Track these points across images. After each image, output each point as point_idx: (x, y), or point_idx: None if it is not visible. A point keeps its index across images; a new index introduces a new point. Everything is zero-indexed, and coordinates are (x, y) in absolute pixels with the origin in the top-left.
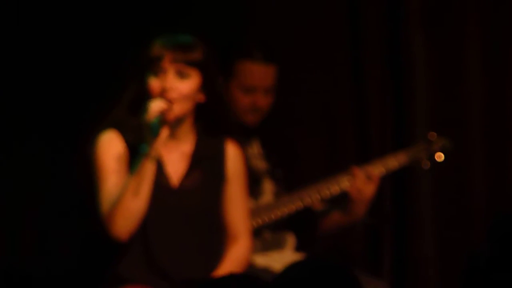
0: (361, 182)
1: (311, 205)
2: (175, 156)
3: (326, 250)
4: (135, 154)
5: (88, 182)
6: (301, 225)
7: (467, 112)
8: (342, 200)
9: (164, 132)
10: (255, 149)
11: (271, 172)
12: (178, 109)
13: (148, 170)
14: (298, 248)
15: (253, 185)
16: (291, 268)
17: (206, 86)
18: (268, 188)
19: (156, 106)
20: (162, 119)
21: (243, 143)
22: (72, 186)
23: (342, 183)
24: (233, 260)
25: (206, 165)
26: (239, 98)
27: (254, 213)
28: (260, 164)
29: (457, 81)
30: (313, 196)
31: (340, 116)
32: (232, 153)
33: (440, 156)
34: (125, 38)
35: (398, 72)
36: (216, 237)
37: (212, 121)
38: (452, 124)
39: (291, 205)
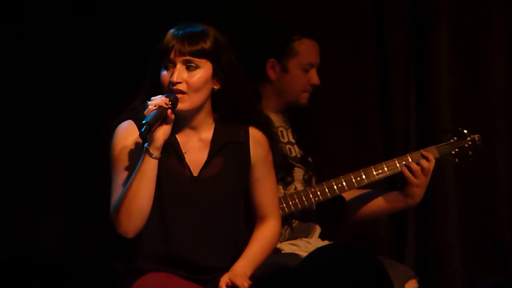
0: (420, 162)
1: (342, 192)
2: (194, 145)
3: (351, 237)
4: None
5: (107, 174)
6: (329, 214)
7: (490, 100)
8: (380, 186)
9: (165, 129)
10: (286, 136)
11: (302, 159)
12: (189, 101)
13: (148, 168)
14: (323, 236)
15: (283, 173)
16: (317, 253)
17: (219, 74)
18: (298, 176)
19: (153, 102)
20: (161, 117)
21: (271, 129)
22: (94, 178)
23: (391, 168)
24: (260, 240)
25: (228, 152)
26: (299, 77)
27: (283, 200)
28: (292, 151)
29: (480, 69)
30: (348, 183)
31: (365, 103)
32: (256, 138)
33: (470, 154)
34: (149, 27)
35: (422, 62)
36: (240, 225)
37: (231, 107)
38: (476, 112)
39: (322, 194)
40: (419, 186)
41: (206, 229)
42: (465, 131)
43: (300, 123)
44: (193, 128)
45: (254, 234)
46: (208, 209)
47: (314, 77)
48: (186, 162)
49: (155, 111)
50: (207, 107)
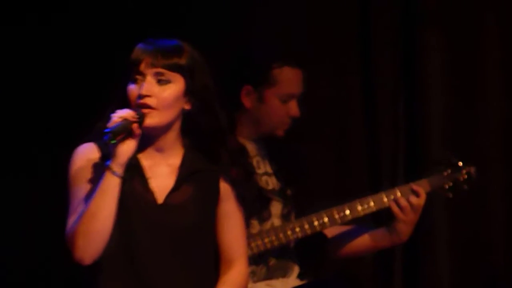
0: (410, 199)
1: (323, 229)
2: (161, 170)
3: (333, 275)
4: None
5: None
6: (309, 252)
7: (485, 123)
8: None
9: (130, 145)
10: (263, 166)
11: (280, 192)
12: (158, 118)
13: (110, 187)
14: (302, 276)
15: (260, 207)
16: None
17: (191, 93)
18: (276, 210)
19: (118, 115)
20: (125, 129)
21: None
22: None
23: (378, 203)
24: (228, 287)
25: (197, 181)
26: (276, 108)
27: (259, 237)
28: (269, 183)
29: (474, 89)
30: (331, 219)
31: (349, 126)
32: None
33: (465, 188)
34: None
35: (411, 81)
36: (208, 260)
37: (201, 133)
38: (470, 136)
39: (301, 230)
40: (407, 223)
41: (171, 260)
42: (460, 163)
43: (279, 152)
44: (161, 151)
45: (221, 280)
46: (174, 239)
47: (293, 108)
48: (150, 187)
49: (120, 122)
50: (176, 129)
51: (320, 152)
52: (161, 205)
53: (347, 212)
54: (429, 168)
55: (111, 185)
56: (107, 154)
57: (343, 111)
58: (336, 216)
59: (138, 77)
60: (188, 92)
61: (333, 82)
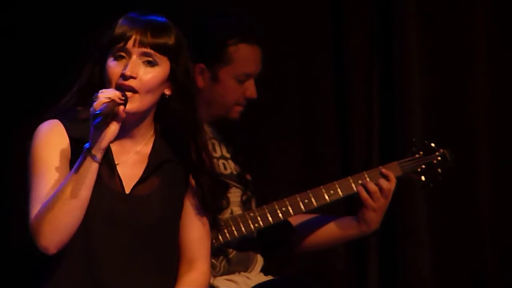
0: (379, 182)
1: (287, 217)
2: (130, 158)
3: (300, 270)
4: (79, 152)
5: (22, 180)
6: (273, 243)
7: (470, 108)
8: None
9: (113, 129)
10: (219, 149)
11: (239, 177)
12: (139, 102)
13: (88, 171)
14: (267, 270)
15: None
16: None
17: (174, 77)
18: (235, 197)
19: (105, 95)
20: (112, 112)
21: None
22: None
23: (345, 189)
24: None
25: (166, 171)
26: (231, 89)
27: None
28: (227, 167)
29: (458, 69)
30: (294, 207)
31: (319, 111)
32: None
33: (440, 172)
34: (84, 18)
35: (387, 62)
36: (174, 254)
37: (175, 120)
38: (453, 122)
39: (263, 219)
40: (376, 210)
41: (134, 256)
42: (433, 144)
43: (236, 134)
44: (131, 138)
45: (181, 281)
46: (139, 232)
47: (250, 89)
48: (118, 175)
49: (107, 104)
50: (151, 114)
51: (286, 137)
52: (127, 195)
53: (312, 198)
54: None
55: (90, 170)
56: (77, 135)
57: (311, 92)
58: (300, 204)
59: (122, 53)
60: (171, 77)
61: (302, 62)
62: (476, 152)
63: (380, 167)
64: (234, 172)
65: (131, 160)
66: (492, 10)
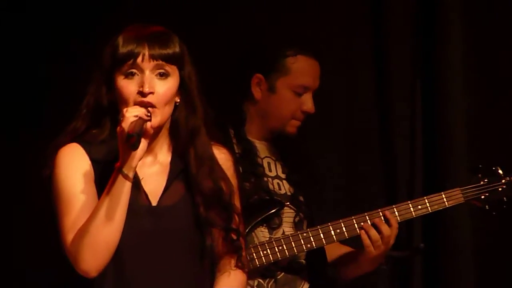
0: (381, 229)
1: (340, 239)
2: (152, 170)
3: None
4: (103, 173)
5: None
6: (321, 268)
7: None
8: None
9: (143, 146)
10: (274, 169)
11: (293, 198)
12: (160, 116)
13: (121, 192)
14: None
15: (271, 213)
16: None
17: (183, 84)
18: (288, 218)
19: (132, 113)
20: (143, 130)
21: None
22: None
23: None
24: None
25: (187, 178)
26: (288, 100)
27: (269, 246)
28: (281, 187)
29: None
30: (350, 228)
31: (361, 128)
32: (220, 161)
33: (505, 201)
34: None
35: (430, 78)
36: (206, 262)
37: (177, 126)
38: (499, 140)
39: (316, 240)
40: (376, 256)
41: (166, 267)
42: (500, 171)
43: (291, 154)
44: (150, 150)
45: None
46: (170, 245)
47: (307, 103)
48: (143, 189)
49: (136, 122)
50: (168, 125)
51: (329, 155)
52: (155, 207)
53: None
54: (450, 168)
55: (124, 190)
56: (98, 157)
57: (355, 109)
58: (356, 227)
59: (133, 71)
60: (180, 84)
61: (345, 77)
62: None
63: (393, 206)
64: (288, 193)
65: (153, 172)
66: None
